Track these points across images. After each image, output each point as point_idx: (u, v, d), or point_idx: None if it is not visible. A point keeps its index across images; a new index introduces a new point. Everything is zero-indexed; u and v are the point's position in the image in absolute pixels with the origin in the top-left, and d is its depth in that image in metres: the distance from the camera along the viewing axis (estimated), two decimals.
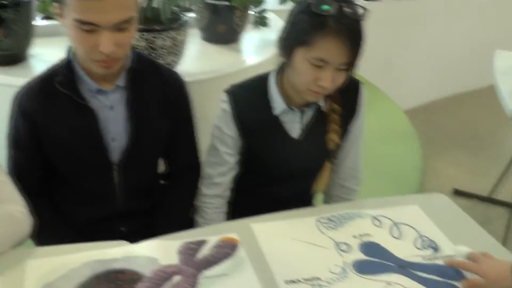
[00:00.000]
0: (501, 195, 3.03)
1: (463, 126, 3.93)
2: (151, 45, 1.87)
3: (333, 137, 1.48)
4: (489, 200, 3.06)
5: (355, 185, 1.64)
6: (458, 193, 3.09)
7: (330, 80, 1.30)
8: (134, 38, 1.66)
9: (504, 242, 2.64)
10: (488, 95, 3.69)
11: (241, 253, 1.25)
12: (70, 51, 1.38)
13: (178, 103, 1.52)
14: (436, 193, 1.60)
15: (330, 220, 1.40)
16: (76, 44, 1.28)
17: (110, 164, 1.44)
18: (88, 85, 1.37)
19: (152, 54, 1.88)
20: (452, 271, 1.26)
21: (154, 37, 1.86)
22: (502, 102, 2.31)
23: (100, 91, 1.38)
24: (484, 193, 3.09)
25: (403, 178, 2.39)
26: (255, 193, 1.62)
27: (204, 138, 1.60)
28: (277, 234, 1.33)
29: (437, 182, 3.18)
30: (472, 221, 1.50)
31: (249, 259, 1.23)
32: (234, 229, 1.33)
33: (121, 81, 1.39)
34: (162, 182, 1.66)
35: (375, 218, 1.42)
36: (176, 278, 1.16)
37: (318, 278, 1.19)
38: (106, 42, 1.23)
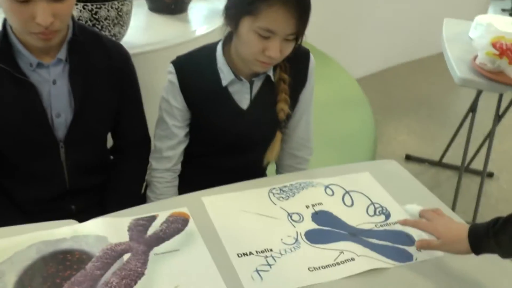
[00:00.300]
0: (450, 159, 3.11)
1: (413, 93, 3.99)
2: (95, 16, 1.79)
3: (283, 106, 1.46)
4: (439, 164, 3.13)
5: (306, 155, 1.64)
6: (410, 159, 3.15)
7: (278, 51, 1.28)
8: (75, 8, 1.60)
9: (454, 204, 2.71)
10: (437, 62, 3.76)
11: (192, 227, 1.23)
12: (5, 23, 1.30)
13: (123, 76, 1.47)
14: (387, 159, 1.61)
15: (282, 190, 1.39)
16: (10, 16, 1.21)
17: (55, 141, 1.39)
18: (27, 59, 1.30)
19: (96, 26, 1.81)
20: (404, 236, 1.28)
21: (97, 8, 1.79)
22: (449, 68, 2.35)
23: (40, 65, 1.32)
24: (435, 157, 3.16)
25: (356, 145, 2.41)
26: (206, 165, 1.59)
27: (152, 111, 1.56)
28: (228, 207, 1.31)
29: (389, 148, 3.23)
30: (422, 186, 1.52)
31: (200, 234, 1.22)
32: (184, 203, 1.31)
33: (62, 54, 1.33)
34: (111, 157, 1.62)
35: (327, 187, 1.43)
36: (127, 256, 1.13)
37: (271, 250, 1.19)
38: (43, 13, 1.17)
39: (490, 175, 3.06)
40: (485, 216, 2.80)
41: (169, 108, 1.47)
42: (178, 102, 1.45)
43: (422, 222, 1.22)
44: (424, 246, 1.19)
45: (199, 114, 1.48)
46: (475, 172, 3.01)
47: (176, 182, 1.60)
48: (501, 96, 2.45)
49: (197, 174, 1.61)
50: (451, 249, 1.15)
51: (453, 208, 2.71)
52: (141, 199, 1.58)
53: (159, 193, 1.56)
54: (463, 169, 2.72)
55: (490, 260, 1.12)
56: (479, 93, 2.61)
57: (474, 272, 1.19)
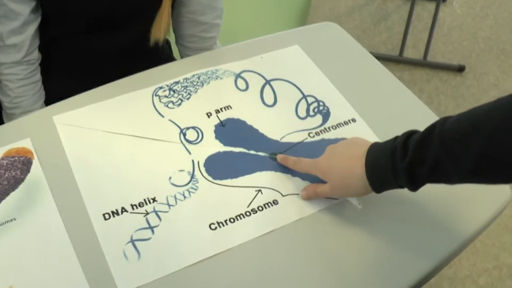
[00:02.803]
0: None
1: None
2: None
3: None
4: None
5: (213, 18, 1.19)
6: None
7: None
8: None
9: (404, 37, 2.34)
10: None
11: (36, 174, 0.82)
12: None
13: None
14: (325, 22, 1.17)
15: (173, 90, 0.96)
16: None
17: None
18: None
19: None
20: None
21: None
22: None
23: None
24: None
25: None
26: (74, 49, 1.15)
27: None
28: (92, 129, 0.88)
29: None
30: (369, 55, 1.11)
31: (49, 184, 0.80)
32: (27, 131, 0.88)
33: None
34: None
35: (238, 76, 1.00)
36: None
37: (154, 200, 0.80)
38: None
39: None
40: (437, 50, 2.46)
41: None
42: None
43: (304, 161, 0.83)
44: (312, 194, 0.81)
45: None
46: None
47: (37, 77, 1.15)
48: None
49: (60, 63, 1.17)
50: (344, 194, 0.78)
51: (403, 42, 2.35)
52: None
53: (14, 96, 1.12)
54: None
55: None
56: None
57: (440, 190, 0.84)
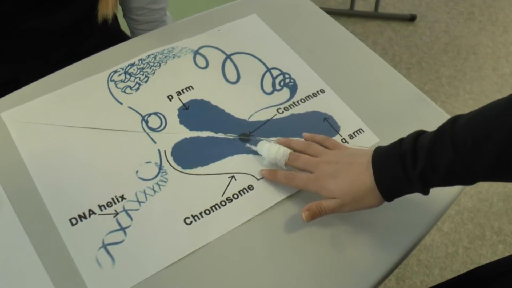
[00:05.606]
0: None
1: None
2: None
3: None
4: None
5: None
6: None
7: None
8: None
9: None
10: None
11: None
12: None
13: None
14: None
15: (128, 73, 0.90)
16: None
17: None
18: None
19: None
20: (324, 120, 0.87)
21: None
22: None
23: None
24: None
25: None
26: (13, 30, 1.06)
27: None
28: (47, 125, 0.82)
29: None
30: (338, 25, 1.06)
31: (5, 191, 0.74)
32: None
33: None
34: None
35: (197, 53, 0.94)
36: None
37: (122, 198, 0.74)
38: None
39: None
40: (387, 0, 2.43)
41: None
42: None
43: (299, 176, 0.74)
44: (316, 213, 0.71)
45: None
46: None
47: None
48: None
49: (7, 44, 1.08)
50: (356, 208, 0.72)
51: None
52: None
53: None
54: None
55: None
56: None
57: None
